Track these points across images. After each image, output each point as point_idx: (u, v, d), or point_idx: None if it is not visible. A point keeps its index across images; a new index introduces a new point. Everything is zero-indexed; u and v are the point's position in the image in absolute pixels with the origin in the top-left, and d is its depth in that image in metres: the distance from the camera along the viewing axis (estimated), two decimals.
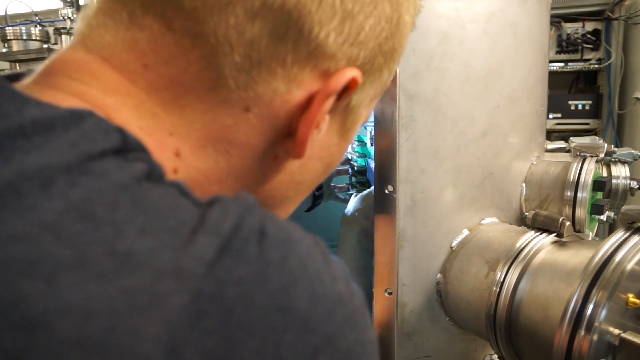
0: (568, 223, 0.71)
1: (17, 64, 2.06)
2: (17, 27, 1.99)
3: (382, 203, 0.71)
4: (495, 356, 0.75)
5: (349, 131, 0.41)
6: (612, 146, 0.89)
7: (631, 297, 0.54)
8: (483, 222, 0.84)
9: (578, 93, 2.96)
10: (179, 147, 0.32)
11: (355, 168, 1.36)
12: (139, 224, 0.22)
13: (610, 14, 2.76)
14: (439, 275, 0.81)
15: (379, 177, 0.71)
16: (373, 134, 0.70)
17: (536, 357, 0.65)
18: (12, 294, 0.18)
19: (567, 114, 2.85)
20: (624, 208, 0.61)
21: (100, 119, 0.26)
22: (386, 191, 0.71)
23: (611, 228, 2.33)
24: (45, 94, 0.28)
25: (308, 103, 0.34)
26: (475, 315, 0.74)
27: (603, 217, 0.91)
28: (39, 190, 0.21)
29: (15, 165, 0.22)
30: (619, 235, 0.60)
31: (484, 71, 0.80)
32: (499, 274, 0.70)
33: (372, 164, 1.16)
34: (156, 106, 0.31)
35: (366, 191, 1.04)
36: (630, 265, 0.56)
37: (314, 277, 0.25)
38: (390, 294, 0.74)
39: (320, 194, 1.04)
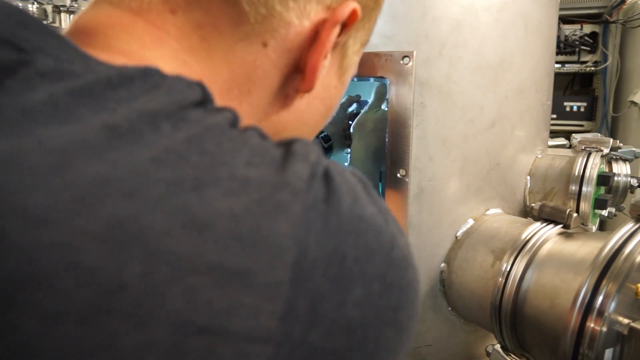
0: (575, 215, 0.71)
1: None
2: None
3: (394, 187, 0.70)
4: (497, 346, 0.74)
5: (345, 74, 0.44)
6: (617, 142, 0.89)
7: None
8: (488, 212, 0.84)
9: (573, 95, 2.98)
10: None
11: None
12: (244, 157, 0.25)
13: (608, 17, 2.78)
14: (442, 264, 0.81)
15: (391, 161, 0.70)
16: (387, 117, 0.69)
17: (541, 347, 0.65)
18: (179, 205, 0.22)
19: (562, 115, 2.87)
20: (633, 200, 0.61)
21: (176, 76, 0.28)
22: (398, 175, 0.70)
23: (602, 225, 2.36)
24: (89, 50, 0.28)
25: (315, 36, 0.36)
26: (479, 304, 0.74)
27: (605, 212, 0.92)
28: (152, 131, 0.24)
29: (120, 112, 0.24)
30: (628, 226, 0.60)
31: (495, 61, 0.80)
32: (505, 264, 0.70)
33: None
34: (186, 54, 0.32)
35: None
36: (639, 257, 0.56)
37: (368, 197, 0.29)
38: None
39: (329, 146, 1.03)
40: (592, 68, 2.83)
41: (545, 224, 0.73)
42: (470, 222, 0.82)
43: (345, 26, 0.37)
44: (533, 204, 0.76)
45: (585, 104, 2.86)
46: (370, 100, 0.94)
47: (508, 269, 0.69)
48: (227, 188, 0.23)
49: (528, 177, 0.90)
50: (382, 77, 0.67)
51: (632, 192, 1.02)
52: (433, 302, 0.82)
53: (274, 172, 0.25)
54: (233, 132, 0.27)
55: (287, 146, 0.28)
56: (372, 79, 0.73)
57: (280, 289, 0.22)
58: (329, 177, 0.27)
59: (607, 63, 2.78)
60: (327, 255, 0.24)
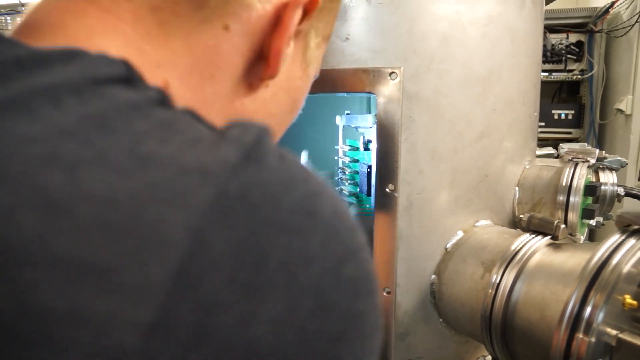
0: (563, 226, 0.71)
1: None
2: (2, 17, 1.95)
3: (383, 201, 0.71)
4: (488, 358, 0.75)
5: (309, 67, 0.43)
6: (603, 152, 0.91)
7: (628, 299, 0.55)
8: (477, 224, 0.85)
9: (561, 102, 3.02)
10: (167, 77, 0.32)
11: (347, 173, 1.35)
12: (159, 135, 0.22)
13: (593, 27, 2.84)
14: (433, 276, 0.82)
15: (379, 176, 0.71)
16: (376, 132, 0.69)
17: (531, 358, 0.65)
18: (33, 184, 0.18)
19: (550, 122, 2.91)
20: (619, 211, 0.62)
21: (99, 53, 0.26)
22: (387, 190, 0.70)
23: (591, 233, 2.39)
24: (34, 42, 0.27)
25: (277, 20, 0.36)
26: (470, 316, 0.74)
27: (593, 222, 0.93)
28: (51, 105, 0.21)
29: (19, 85, 0.21)
30: (615, 237, 0.60)
31: (483, 74, 0.81)
32: (494, 276, 0.70)
33: (365, 169, 1.16)
34: (142, 40, 0.31)
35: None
36: (626, 268, 0.57)
37: (333, 196, 0.25)
38: (388, 293, 0.74)
39: None
40: (579, 76, 2.88)
41: (534, 235, 0.74)
42: (460, 234, 0.82)
43: (307, 12, 0.37)
44: (522, 215, 0.77)
45: (572, 111, 2.90)
46: None
47: (498, 281, 0.69)
48: (117, 168, 0.20)
49: (516, 188, 0.91)
50: (369, 92, 0.68)
51: (619, 201, 1.04)
52: (424, 313, 0.82)
53: (192, 153, 0.22)
54: (154, 111, 0.24)
55: (225, 128, 0.25)
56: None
57: (151, 293, 0.18)
58: (269, 164, 0.23)
59: (593, 71, 2.83)
60: (239, 254, 0.20)
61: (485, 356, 0.79)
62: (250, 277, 0.20)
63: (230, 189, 0.21)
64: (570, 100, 3.03)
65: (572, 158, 0.90)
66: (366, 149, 1.19)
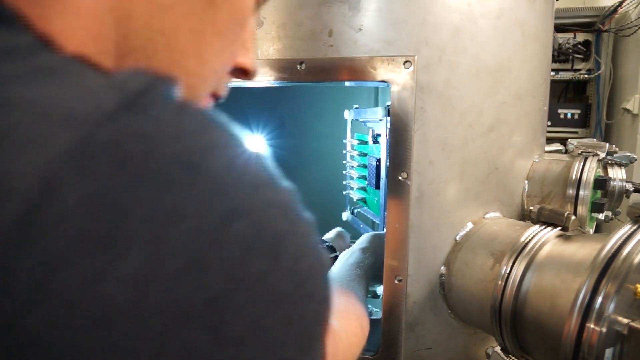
0: (573, 217, 0.72)
1: None
2: None
3: (396, 189, 0.71)
4: (497, 348, 0.75)
5: None
6: (613, 146, 0.91)
7: (639, 288, 0.55)
8: (487, 216, 0.85)
9: (568, 102, 3.01)
10: None
11: (356, 167, 1.36)
12: (28, 79, 0.19)
13: (601, 26, 2.82)
14: (442, 267, 0.82)
15: (392, 164, 0.71)
16: (389, 121, 0.70)
17: (541, 348, 0.66)
18: None
19: (557, 122, 2.90)
20: (631, 202, 0.62)
21: None
22: (400, 178, 0.71)
23: (598, 228, 2.38)
24: None
25: None
26: (480, 307, 0.74)
27: (601, 216, 0.93)
28: None
29: None
30: (626, 228, 0.61)
31: (494, 66, 0.81)
32: (504, 267, 0.71)
33: (374, 161, 1.17)
34: None
35: (374, 233, 1.03)
36: (638, 258, 0.57)
37: (242, 157, 0.22)
38: (400, 281, 0.74)
39: (335, 257, 1.03)
40: (586, 76, 2.87)
41: (543, 226, 0.74)
42: (470, 225, 0.83)
43: None
44: (531, 207, 0.77)
45: (579, 111, 2.90)
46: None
47: (508, 272, 0.70)
48: None
49: (526, 181, 0.91)
50: (383, 81, 0.68)
51: (627, 197, 1.04)
52: (433, 304, 0.82)
53: (63, 98, 0.19)
54: (33, 55, 0.21)
55: (115, 75, 0.22)
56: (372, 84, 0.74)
57: None
58: (154, 114, 0.21)
59: (600, 71, 2.82)
60: (93, 207, 0.18)
61: (494, 347, 0.80)
62: (104, 232, 0.18)
63: (98, 136, 0.19)
64: (576, 99, 3.02)
65: (581, 152, 0.90)
66: (375, 142, 1.20)
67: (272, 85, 0.77)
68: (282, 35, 0.76)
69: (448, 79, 0.77)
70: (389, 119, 1.09)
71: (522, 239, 0.72)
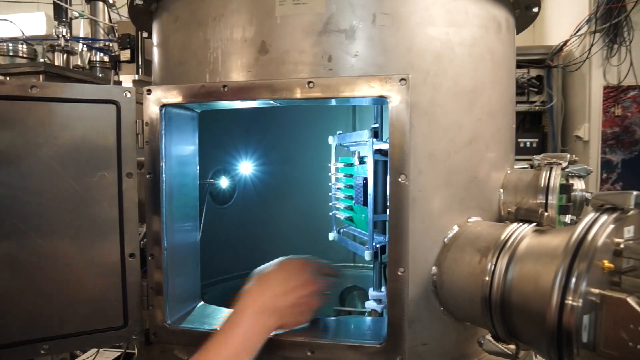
0: (547, 213, 0.82)
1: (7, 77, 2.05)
2: (4, 44, 1.99)
3: (396, 190, 0.80)
4: (488, 336, 0.83)
5: None
6: (573, 156, 1.04)
7: (606, 263, 0.65)
8: (470, 220, 0.95)
9: (526, 132, 3.25)
10: None
11: (342, 188, 1.44)
12: None
13: (551, 62, 3.12)
14: (433, 267, 0.90)
15: (393, 169, 0.80)
16: (387, 137, 0.79)
17: (528, 328, 0.74)
18: None
19: (517, 150, 3.07)
20: (594, 194, 0.73)
21: None
22: (399, 180, 0.80)
23: None
24: None
25: None
26: (470, 298, 0.83)
27: (567, 219, 1.05)
28: None
29: None
30: (590, 216, 0.71)
31: (469, 87, 0.93)
32: (490, 259, 0.80)
33: (360, 180, 1.26)
34: None
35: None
36: (601, 240, 0.67)
37: None
38: (403, 272, 0.82)
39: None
40: (540, 107, 3.12)
41: (521, 223, 0.84)
42: (456, 228, 0.92)
43: None
44: (509, 208, 0.87)
45: (536, 140, 3.13)
46: None
47: (494, 263, 0.79)
48: None
49: (501, 190, 1.02)
50: (382, 97, 0.78)
51: (587, 205, 1.16)
52: (427, 302, 0.90)
53: None
54: None
55: None
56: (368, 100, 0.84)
57: None
58: None
59: (553, 102, 3.09)
60: None
61: (484, 336, 0.87)
62: None
63: None
64: (533, 129, 3.27)
65: (547, 162, 1.02)
66: (361, 162, 1.29)
67: (277, 105, 0.85)
68: (287, 60, 0.86)
69: (432, 98, 0.89)
70: (375, 140, 1.20)
71: (504, 235, 0.82)
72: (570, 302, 0.65)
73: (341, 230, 1.51)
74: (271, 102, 0.84)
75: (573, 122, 3.06)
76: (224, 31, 0.90)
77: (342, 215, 1.44)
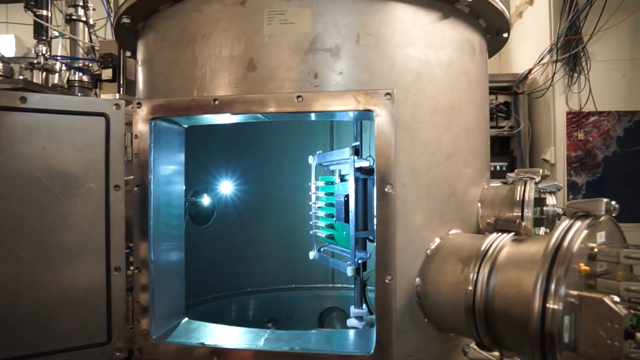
0: (524, 223, 0.86)
1: None
2: None
3: (383, 200, 0.82)
4: (473, 344, 0.84)
5: None
6: (545, 171, 1.09)
7: (582, 266, 0.69)
8: (450, 232, 0.98)
9: (495, 155, 3.37)
10: None
11: (322, 207, 1.46)
12: None
13: (517, 89, 3.27)
14: (417, 279, 0.92)
15: (380, 179, 0.83)
16: (368, 155, 0.82)
17: (511, 333, 0.76)
18: None
19: None
20: (568, 202, 0.78)
21: None
22: (386, 190, 0.82)
23: None
24: None
25: None
26: (454, 307, 0.85)
27: (541, 232, 1.09)
28: None
29: None
30: (565, 223, 0.75)
31: (447, 105, 0.98)
32: (472, 268, 0.82)
33: (342, 198, 1.28)
34: None
35: None
36: (576, 245, 0.71)
37: None
38: (390, 279, 0.83)
39: None
40: (509, 132, 3.25)
41: (499, 234, 0.88)
42: (437, 240, 0.95)
43: None
44: (488, 220, 0.91)
45: (506, 163, 3.24)
46: None
47: (476, 271, 0.81)
48: None
49: (479, 204, 1.06)
50: (369, 110, 0.82)
51: (559, 219, 1.22)
52: (411, 313, 0.91)
53: None
54: None
55: None
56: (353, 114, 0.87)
57: None
58: None
59: (520, 127, 3.22)
60: None
61: (469, 344, 0.89)
62: None
63: None
64: (502, 153, 3.39)
65: (521, 177, 1.07)
66: (342, 180, 1.32)
67: (266, 119, 0.87)
68: (274, 77, 0.89)
69: (413, 114, 0.93)
70: (355, 157, 1.23)
71: (485, 245, 0.85)
72: (551, 305, 0.68)
73: (321, 249, 1.52)
74: (260, 116, 0.86)
75: (540, 146, 3.20)
76: (212, 49, 0.93)
77: (322, 234, 1.46)
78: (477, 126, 1.07)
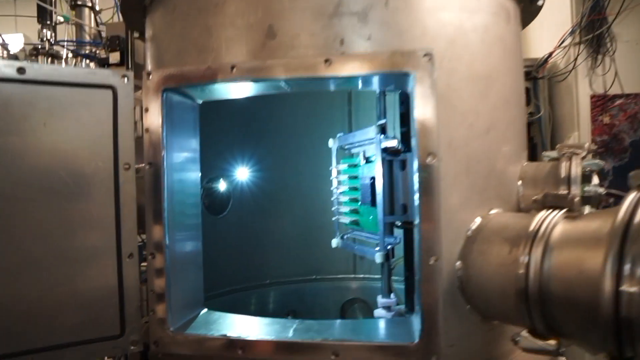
0: (577, 198, 0.77)
1: None
2: None
3: (426, 172, 0.75)
4: (524, 332, 0.76)
5: None
6: (592, 144, 1.00)
7: None
8: (491, 212, 0.89)
9: None
10: None
11: (347, 190, 1.38)
12: None
13: (536, 74, 3.15)
14: (458, 262, 0.84)
15: (421, 149, 0.75)
16: (394, 134, 0.74)
17: (572, 320, 0.68)
18: None
19: None
20: (633, 172, 0.69)
21: None
22: (427, 161, 0.74)
23: None
24: None
25: None
26: (502, 291, 0.76)
27: (587, 211, 1.00)
28: None
29: None
30: (632, 195, 0.66)
31: (484, 73, 0.89)
32: (523, 249, 0.74)
33: (367, 180, 1.20)
34: None
35: None
36: None
37: None
38: (436, 260, 0.76)
39: None
40: (529, 119, 3.14)
41: (549, 211, 0.79)
42: (479, 220, 0.87)
43: None
44: (535, 197, 0.82)
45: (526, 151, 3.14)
46: None
47: (528, 251, 0.73)
48: None
49: (519, 182, 0.98)
50: (405, 73, 0.74)
51: (601, 201, 1.13)
52: (452, 300, 0.83)
53: None
54: None
55: None
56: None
57: None
58: None
59: (541, 113, 3.11)
60: None
61: (519, 333, 0.81)
62: None
63: None
64: None
65: (564, 153, 0.98)
66: (368, 161, 1.24)
67: (286, 89, 0.80)
68: (296, 44, 0.81)
69: (448, 83, 0.84)
70: (382, 136, 1.15)
71: (534, 224, 0.77)
72: (627, 289, 0.59)
73: (345, 236, 1.44)
74: (282, 85, 0.79)
75: (562, 132, 3.08)
76: (227, 17, 0.86)
77: (347, 219, 1.38)
78: (514, 97, 0.98)
